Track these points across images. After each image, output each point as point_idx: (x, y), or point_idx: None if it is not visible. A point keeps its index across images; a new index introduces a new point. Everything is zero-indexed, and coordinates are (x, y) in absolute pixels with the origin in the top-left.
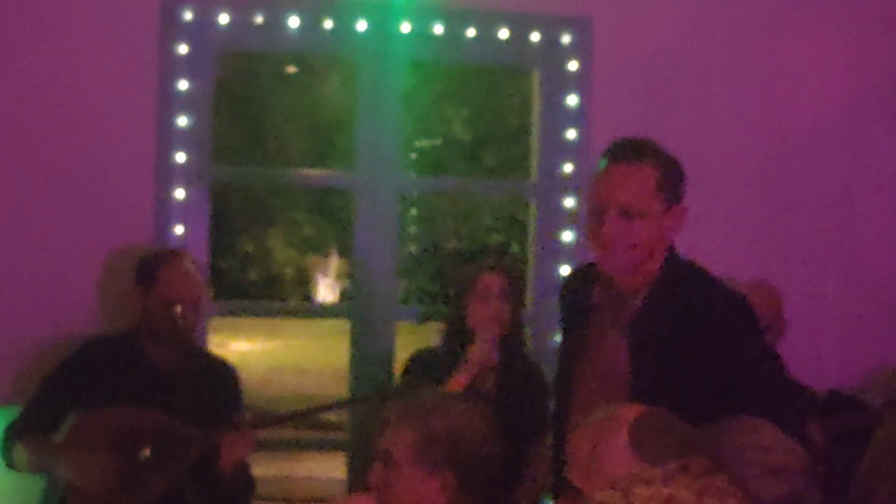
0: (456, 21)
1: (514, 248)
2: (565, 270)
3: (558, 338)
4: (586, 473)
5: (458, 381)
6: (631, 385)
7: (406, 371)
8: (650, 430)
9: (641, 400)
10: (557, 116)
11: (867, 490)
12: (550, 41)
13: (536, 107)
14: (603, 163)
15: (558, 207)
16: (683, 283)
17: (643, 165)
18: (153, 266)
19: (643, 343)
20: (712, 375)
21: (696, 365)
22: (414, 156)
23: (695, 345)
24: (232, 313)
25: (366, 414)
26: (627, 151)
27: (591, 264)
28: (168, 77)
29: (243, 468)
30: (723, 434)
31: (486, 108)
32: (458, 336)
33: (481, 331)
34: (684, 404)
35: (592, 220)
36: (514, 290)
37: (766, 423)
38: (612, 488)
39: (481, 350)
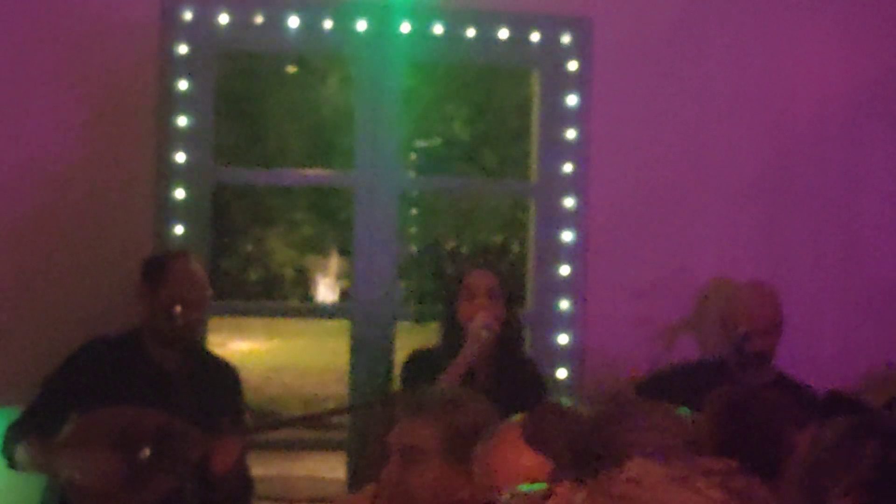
0: (456, 21)
1: (514, 248)
2: (565, 270)
3: (560, 339)
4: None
5: (448, 380)
6: None
7: (404, 371)
8: (542, 421)
9: None
10: (557, 116)
11: None
12: (550, 41)
13: (536, 107)
14: None
15: (558, 207)
16: None
17: None
18: (160, 266)
19: None
20: None
21: None
22: (414, 156)
23: None
24: (232, 313)
25: (366, 416)
26: None
27: None
28: (168, 77)
29: (240, 471)
30: (623, 417)
31: (486, 108)
32: (453, 335)
33: (470, 328)
34: None
35: None
36: (505, 288)
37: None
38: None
39: (470, 348)
